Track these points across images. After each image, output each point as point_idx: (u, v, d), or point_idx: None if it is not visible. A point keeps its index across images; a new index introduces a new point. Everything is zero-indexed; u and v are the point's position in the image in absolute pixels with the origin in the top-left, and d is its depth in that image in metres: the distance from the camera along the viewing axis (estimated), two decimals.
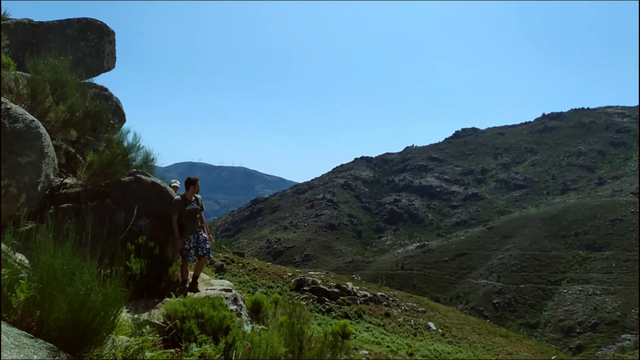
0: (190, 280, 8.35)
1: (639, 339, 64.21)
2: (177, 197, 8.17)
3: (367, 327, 31.40)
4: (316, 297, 34.63)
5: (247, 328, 7.07)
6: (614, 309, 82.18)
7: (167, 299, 6.88)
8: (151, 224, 7.94)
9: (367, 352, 23.05)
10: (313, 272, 45.79)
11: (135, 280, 6.62)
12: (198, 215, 8.32)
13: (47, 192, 6.95)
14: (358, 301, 36.48)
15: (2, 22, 10.04)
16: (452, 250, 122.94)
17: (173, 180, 10.06)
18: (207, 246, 8.35)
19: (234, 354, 5.40)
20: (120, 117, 11.17)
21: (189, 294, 7.62)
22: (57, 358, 3.19)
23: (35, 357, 3.02)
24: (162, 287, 7.69)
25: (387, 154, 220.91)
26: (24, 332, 3.35)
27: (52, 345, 3.34)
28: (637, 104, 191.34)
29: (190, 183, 8.32)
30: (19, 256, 4.69)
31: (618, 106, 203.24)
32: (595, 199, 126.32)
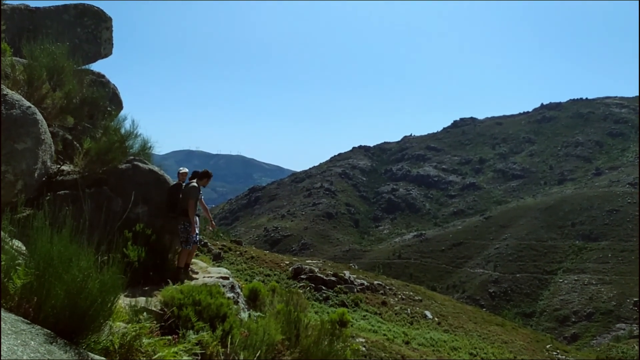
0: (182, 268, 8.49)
1: (638, 328, 64.58)
2: (193, 184, 8.39)
3: (364, 316, 31.58)
4: (313, 285, 34.79)
5: (244, 315, 7.09)
6: (609, 299, 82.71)
7: (165, 286, 6.90)
8: (148, 211, 7.94)
9: (363, 340, 23.19)
10: (310, 261, 45.95)
11: (132, 267, 6.63)
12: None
13: (44, 178, 6.92)
14: (355, 290, 36.66)
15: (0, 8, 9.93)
16: (449, 239, 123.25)
17: (181, 168, 10.06)
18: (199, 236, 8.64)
19: (230, 340, 5.43)
20: (118, 104, 11.11)
21: (185, 281, 7.68)
22: (54, 344, 3.19)
23: (32, 342, 3.02)
24: (159, 274, 7.72)
25: (385, 143, 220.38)
26: (21, 318, 3.35)
27: (49, 331, 3.34)
28: (636, 94, 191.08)
29: (206, 176, 8.72)
30: (16, 243, 4.68)
31: (616, 97, 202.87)
32: (592, 190, 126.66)
